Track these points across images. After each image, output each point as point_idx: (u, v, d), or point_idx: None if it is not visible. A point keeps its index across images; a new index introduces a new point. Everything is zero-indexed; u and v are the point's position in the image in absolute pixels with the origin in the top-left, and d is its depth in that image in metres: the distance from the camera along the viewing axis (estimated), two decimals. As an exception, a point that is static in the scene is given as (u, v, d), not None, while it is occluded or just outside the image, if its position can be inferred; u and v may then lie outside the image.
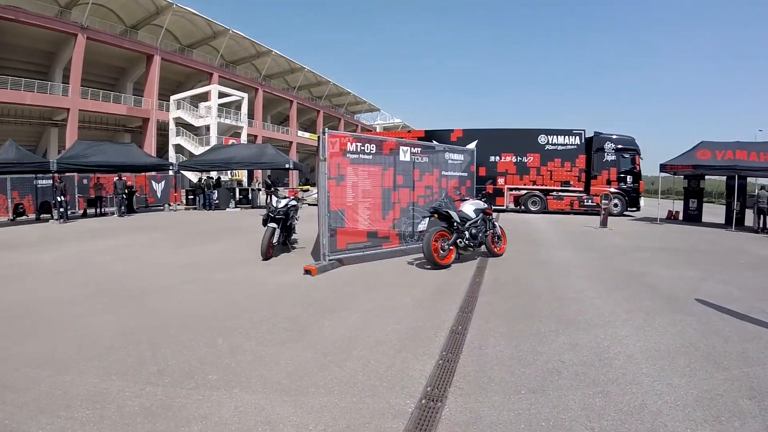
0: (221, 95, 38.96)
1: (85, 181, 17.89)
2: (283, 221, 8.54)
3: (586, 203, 19.73)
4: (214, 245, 10.03)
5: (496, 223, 8.61)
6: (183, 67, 41.10)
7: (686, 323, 4.62)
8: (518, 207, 20.27)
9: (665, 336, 4.24)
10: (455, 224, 7.62)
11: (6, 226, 14.32)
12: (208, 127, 37.98)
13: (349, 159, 7.54)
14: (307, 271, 6.97)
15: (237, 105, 40.62)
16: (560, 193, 20.11)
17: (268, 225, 8.33)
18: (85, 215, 17.38)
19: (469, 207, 8.13)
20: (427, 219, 7.66)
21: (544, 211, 19.88)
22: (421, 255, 7.51)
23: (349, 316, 4.90)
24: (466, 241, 7.67)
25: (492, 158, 19.98)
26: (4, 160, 13.70)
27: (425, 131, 21.62)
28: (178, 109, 38.77)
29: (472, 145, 14.64)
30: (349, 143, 7.54)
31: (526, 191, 20.14)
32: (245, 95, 41.15)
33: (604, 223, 14.08)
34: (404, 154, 8.32)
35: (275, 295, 5.81)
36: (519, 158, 20.09)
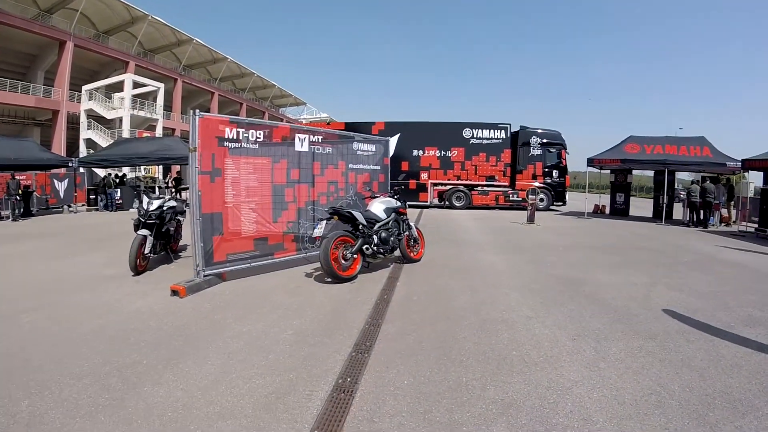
0: (136, 85, 35.13)
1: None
2: (158, 227, 6.75)
3: (511, 198, 19.63)
4: (93, 255, 7.95)
5: (411, 223, 7.50)
6: (98, 55, 36.20)
7: (648, 351, 3.76)
8: (442, 202, 19.66)
9: (626, 376, 3.29)
10: (360, 227, 6.40)
11: None
12: (121, 120, 34.27)
13: (228, 148, 5.89)
14: (175, 292, 5.31)
15: (153, 96, 36.88)
16: (485, 188, 19.73)
17: (137, 233, 6.43)
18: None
19: (379, 206, 6.89)
20: (324, 222, 6.22)
21: (469, 206, 19.45)
22: None
23: (202, 363, 3.42)
24: (374, 248, 6.42)
25: (415, 152, 19.20)
26: None
27: (345, 123, 20.17)
28: (90, 100, 34.46)
29: (394, 139, 13.64)
30: (227, 129, 5.87)
31: (450, 186, 19.52)
32: (162, 85, 37.36)
33: (531, 219, 13.73)
34: (301, 143, 6.86)
35: (121, 329, 4.24)
36: (443, 152, 19.48)
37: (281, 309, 4.90)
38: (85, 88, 34.81)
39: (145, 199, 6.79)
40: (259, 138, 6.24)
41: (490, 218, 15.98)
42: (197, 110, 5.68)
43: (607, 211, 18.62)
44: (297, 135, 6.78)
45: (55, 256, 7.95)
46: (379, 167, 8.50)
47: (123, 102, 34.44)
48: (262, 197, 6.32)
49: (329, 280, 5.97)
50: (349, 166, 7.76)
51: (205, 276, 5.76)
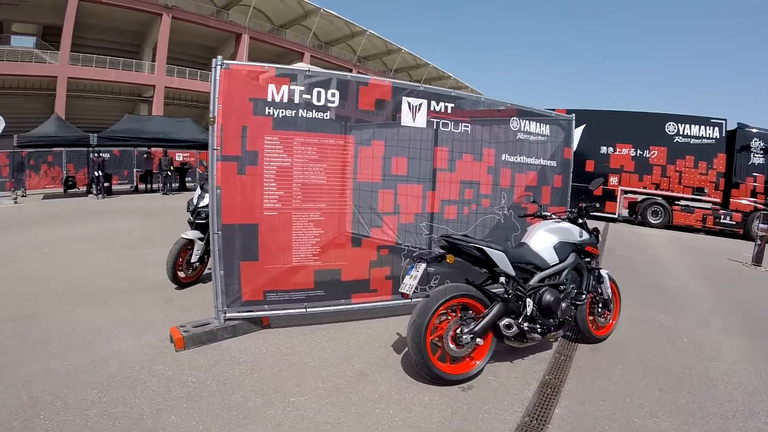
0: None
1: (145, 156, 16.65)
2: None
3: (723, 220, 12.88)
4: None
5: (604, 272, 3.69)
6: (274, 47, 39.38)
7: None
8: (633, 216, 13.93)
9: None
10: (502, 278, 3.11)
11: (54, 198, 13.52)
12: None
13: (273, 118, 3.38)
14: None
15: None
16: (691, 204, 13.38)
17: (181, 235, 4.76)
18: (136, 191, 16.12)
19: (546, 238, 3.37)
20: (422, 266, 2.99)
21: (668, 225, 13.29)
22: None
23: None
24: (527, 325, 3.05)
25: (603, 149, 13.82)
26: (43, 133, 12.78)
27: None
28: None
29: (578, 130, 9.51)
30: (271, 86, 3.35)
31: (645, 197, 13.71)
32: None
33: (758, 259, 8.02)
34: (412, 113, 3.89)
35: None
36: (639, 151, 13.66)
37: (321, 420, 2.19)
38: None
39: (197, 192, 4.94)
40: (332, 101, 3.60)
41: (698, 249, 9.85)
42: (219, 57, 3.37)
43: None
44: (406, 99, 3.86)
45: (136, 243, 7.01)
46: (555, 163, 4.81)
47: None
48: (332, 203, 3.64)
49: (424, 373, 2.97)
50: (504, 157, 4.42)
51: (226, 320, 3.54)
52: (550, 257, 3.30)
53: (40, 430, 2.33)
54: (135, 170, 16.61)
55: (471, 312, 2.99)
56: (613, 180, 13.93)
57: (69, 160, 15.06)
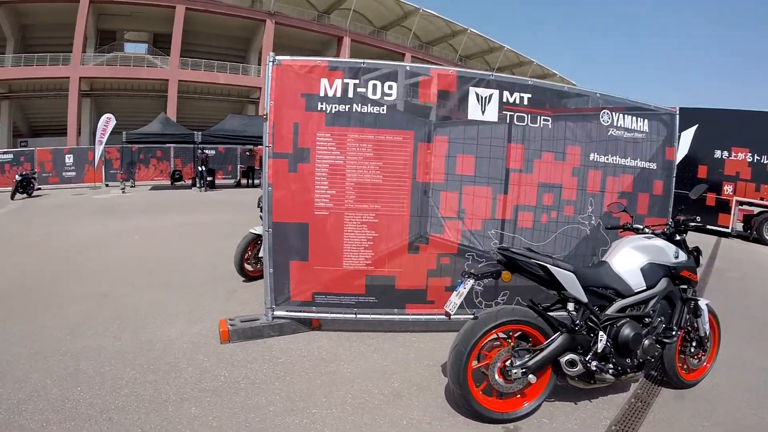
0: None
1: (248, 153, 17.83)
2: None
3: None
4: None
5: (703, 303, 2.86)
6: (375, 48, 39.66)
7: None
8: (748, 232, 11.26)
9: None
10: (570, 303, 2.55)
11: (161, 189, 15.17)
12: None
13: (325, 114, 3.20)
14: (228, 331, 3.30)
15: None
16: None
17: (250, 230, 4.83)
18: (238, 185, 17.39)
19: (634, 258, 2.67)
20: (470, 282, 2.50)
21: None
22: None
23: None
24: (596, 364, 2.44)
25: (717, 153, 11.43)
26: (149, 131, 14.42)
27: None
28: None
29: (689, 131, 8.14)
30: (324, 81, 3.17)
31: (763, 209, 11.27)
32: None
33: None
34: (481, 106, 3.42)
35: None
36: (758, 157, 11.02)
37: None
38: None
39: None
40: (389, 94, 3.30)
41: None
42: (272, 54, 3.24)
43: None
44: (473, 90, 3.41)
45: (217, 234, 7.24)
46: (654, 165, 3.94)
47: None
48: (388, 204, 3.35)
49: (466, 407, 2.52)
50: (592, 157, 3.72)
51: (274, 318, 3.44)
52: (636, 282, 2.62)
53: (73, 400, 2.50)
54: (238, 166, 18.02)
55: (527, 342, 2.49)
56: (728, 189, 11.57)
57: (176, 155, 16.92)
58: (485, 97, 3.35)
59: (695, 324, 2.86)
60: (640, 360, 2.56)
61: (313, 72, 3.19)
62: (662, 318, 2.68)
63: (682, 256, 2.80)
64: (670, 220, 2.93)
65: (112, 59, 25.96)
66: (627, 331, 2.49)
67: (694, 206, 10.05)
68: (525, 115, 3.44)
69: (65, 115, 23.45)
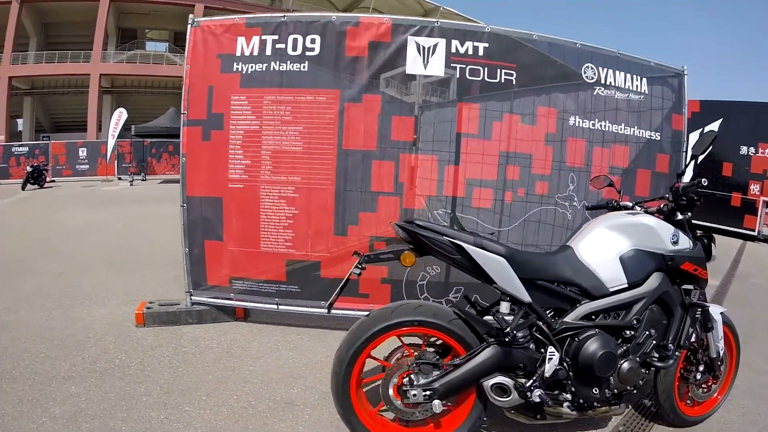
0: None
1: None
2: None
3: None
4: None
5: (716, 310, 2.00)
6: None
7: None
8: None
9: None
10: (503, 303, 1.79)
11: (171, 183, 15.45)
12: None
13: (241, 75, 2.77)
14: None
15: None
16: None
17: None
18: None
19: (609, 242, 1.87)
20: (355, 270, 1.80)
21: None
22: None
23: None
24: (541, 393, 1.68)
25: (743, 150, 9.58)
26: (157, 125, 14.83)
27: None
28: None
29: (714, 125, 6.99)
30: (241, 39, 2.74)
31: None
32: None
33: None
34: (423, 57, 2.81)
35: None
36: None
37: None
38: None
39: None
40: (312, 49, 2.81)
41: None
42: (191, 16, 2.89)
43: None
44: (413, 39, 2.82)
45: None
46: (658, 135, 3.06)
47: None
48: (309, 176, 2.85)
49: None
50: (573, 121, 2.95)
51: (193, 303, 3.02)
52: (611, 276, 1.84)
53: None
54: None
55: (435, 353, 1.83)
56: (754, 188, 9.72)
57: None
58: (428, 48, 2.76)
59: (704, 340, 2.03)
60: (616, 391, 1.80)
61: (230, 31, 2.79)
62: (653, 330, 1.87)
63: (684, 242, 1.94)
64: (669, 193, 2.10)
65: (132, 57, 26.36)
66: (593, 349, 1.73)
67: (716, 207, 8.46)
68: (480, 68, 2.79)
69: (86, 111, 23.81)
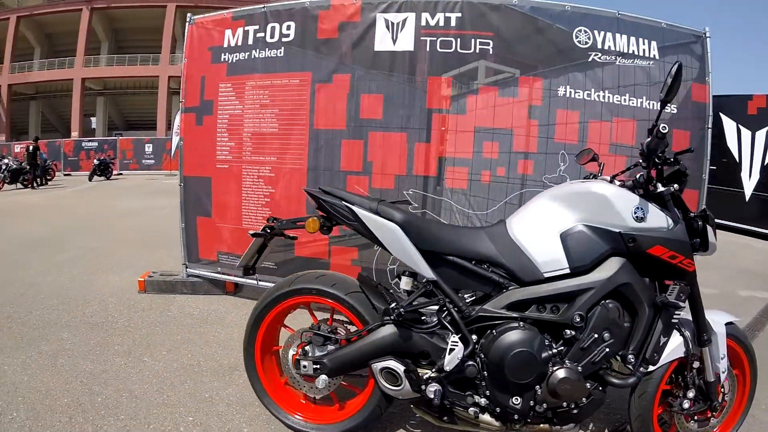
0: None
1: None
2: None
3: None
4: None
5: (717, 318, 1.55)
6: None
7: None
8: None
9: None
10: (404, 277, 1.62)
11: None
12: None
13: (227, 64, 2.95)
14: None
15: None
16: None
17: None
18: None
19: (554, 216, 1.52)
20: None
21: None
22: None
23: None
24: (441, 390, 1.47)
25: None
26: None
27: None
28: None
29: None
30: (227, 31, 2.92)
31: None
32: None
33: None
34: (391, 33, 2.73)
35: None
36: None
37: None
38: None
39: None
40: (287, 35, 2.88)
41: None
42: (189, 15, 3.14)
43: None
44: (382, 16, 2.73)
45: None
46: (673, 108, 2.54)
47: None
48: (284, 157, 2.89)
49: None
50: (562, 91, 2.57)
51: (188, 275, 3.26)
52: (547, 258, 1.50)
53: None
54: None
55: (338, 327, 1.73)
56: None
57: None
58: (397, 24, 2.67)
59: (696, 357, 1.53)
60: (546, 406, 1.48)
61: (220, 24, 3.01)
62: (606, 334, 1.45)
63: (657, 219, 1.46)
64: (643, 161, 1.51)
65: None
66: (506, 345, 1.46)
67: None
68: (453, 39, 2.62)
69: (156, 110, 24.88)
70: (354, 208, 1.61)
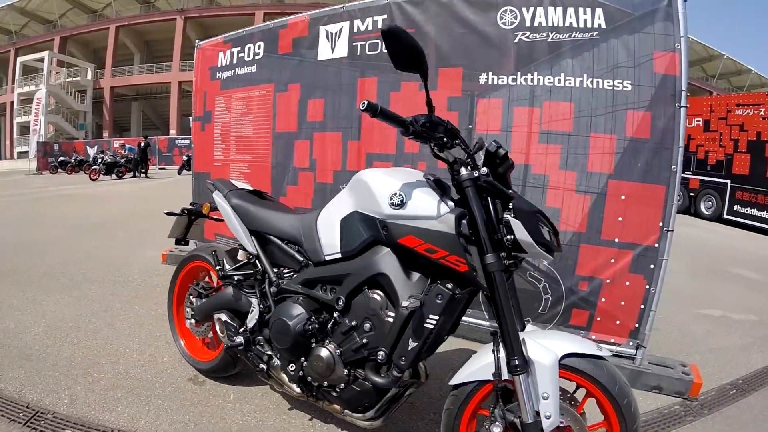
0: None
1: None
2: None
3: None
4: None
5: (534, 343, 1.24)
6: None
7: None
8: None
9: None
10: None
11: None
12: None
13: (220, 81, 3.53)
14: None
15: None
16: None
17: None
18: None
19: (342, 203, 1.54)
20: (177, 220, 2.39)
21: None
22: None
23: None
24: (242, 338, 1.77)
25: None
26: None
27: None
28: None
29: None
30: (221, 54, 3.48)
31: None
32: None
33: None
34: (330, 43, 2.86)
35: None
36: None
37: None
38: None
39: None
40: (258, 53, 3.27)
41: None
42: (197, 41, 3.80)
43: None
44: (323, 29, 2.90)
45: None
46: (628, 84, 2.15)
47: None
48: (257, 155, 3.31)
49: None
50: (485, 79, 2.38)
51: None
52: (328, 241, 1.57)
53: (39, 270, 3.79)
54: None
55: (206, 284, 2.18)
56: None
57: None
58: (335, 33, 2.86)
59: (503, 385, 1.26)
60: (311, 380, 1.57)
61: (217, 47, 3.61)
62: (367, 324, 1.43)
63: (420, 207, 1.32)
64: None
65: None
66: (275, 312, 1.65)
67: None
68: (378, 41, 2.70)
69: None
70: (213, 195, 1.95)
